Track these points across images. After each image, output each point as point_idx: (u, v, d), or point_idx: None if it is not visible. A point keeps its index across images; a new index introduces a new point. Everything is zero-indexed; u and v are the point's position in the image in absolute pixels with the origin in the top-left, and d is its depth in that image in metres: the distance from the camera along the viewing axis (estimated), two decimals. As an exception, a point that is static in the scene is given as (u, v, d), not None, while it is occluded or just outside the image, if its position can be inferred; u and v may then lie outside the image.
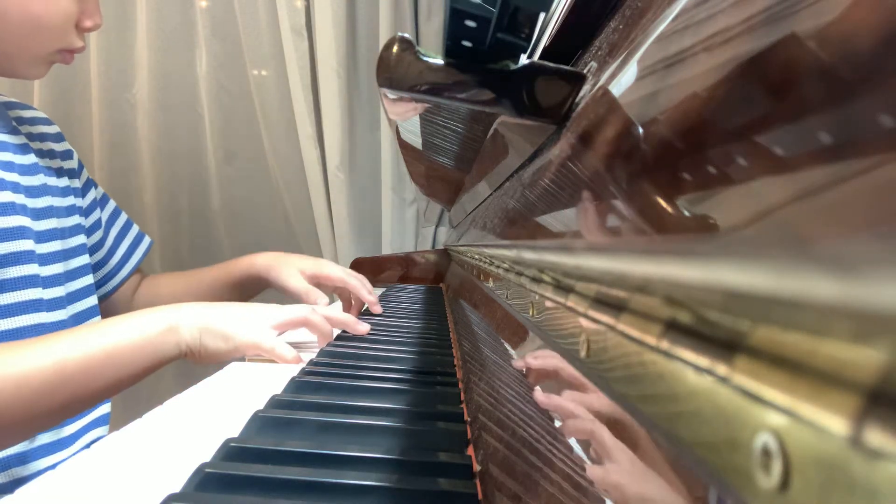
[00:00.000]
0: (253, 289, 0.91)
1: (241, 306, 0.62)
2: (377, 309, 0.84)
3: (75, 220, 0.78)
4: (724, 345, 0.11)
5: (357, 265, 1.35)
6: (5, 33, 0.65)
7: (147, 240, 0.95)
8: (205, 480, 0.30)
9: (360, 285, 0.85)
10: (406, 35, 0.30)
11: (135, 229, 0.94)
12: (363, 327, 0.67)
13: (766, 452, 0.09)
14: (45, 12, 0.66)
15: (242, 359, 0.60)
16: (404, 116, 0.62)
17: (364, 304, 0.86)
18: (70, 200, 0.78)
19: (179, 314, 0.57)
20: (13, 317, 0.64)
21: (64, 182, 0.78)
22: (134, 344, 0.54)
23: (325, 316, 0.65)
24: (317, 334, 0.64)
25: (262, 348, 0.58)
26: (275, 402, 0.42)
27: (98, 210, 0.87)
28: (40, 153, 0.76)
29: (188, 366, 0.59)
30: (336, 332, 0.67)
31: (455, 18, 0.26)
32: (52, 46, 0.69)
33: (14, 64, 0.69)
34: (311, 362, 0.54)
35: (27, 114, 0.79)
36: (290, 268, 0.86)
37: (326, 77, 1.39)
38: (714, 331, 0.12)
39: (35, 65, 0.70)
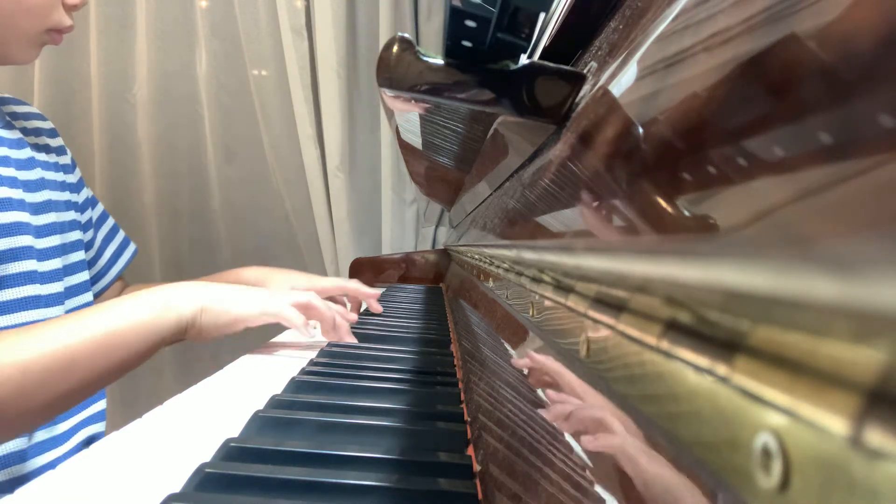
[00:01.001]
0: None
1: (239, 287, 0.63)
2: (378, 307, 0.84)
3: (72, 215, 0.78)
4: (724, 345, 0.11)
5: (357, 265, 1.35)
6: None
7: (132, 246, 0.94)
8: (205, 480, 0.30)
9: (357, 287, 0.85)
10: (406, 35, 0.30)
11: (121, 234, 0.93)
12: (350, 340, 0.66)
13: (766, 452, 0.09)
14: None
15: (244, 355, 0.60)
16: (404, 117, 0.62)
17: (362, 304, 0.86)
18: (66, 196, 0.78)
19: (177, 293, 0.58)
20: (11, 314, 0.64)
21: (60, 177, 0.78)
22: (135, 324, 0.54)
23: (321, 289, 0.66)
24: (318, 319, 0.64)
25: (267, 313, 0.59)
26: (275, 402, 0.42)
27: (90, 209, 0.87)
28: (36, 147, 0.76)
29: (188, 365, 0.59)
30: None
31: (455, 18, 0.26)
32: (40, 26, 0.68)
33: (6, 47, 0.68)
34: (311, 362, 0.54)
35: (21, 109, 0.79)
36: (279, 284, 0.86)
37: (326, 77, 1.39)
38: (714, 331, 0.12)
39: (25, 47, 0.69)
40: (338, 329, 0.64)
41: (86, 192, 0.86)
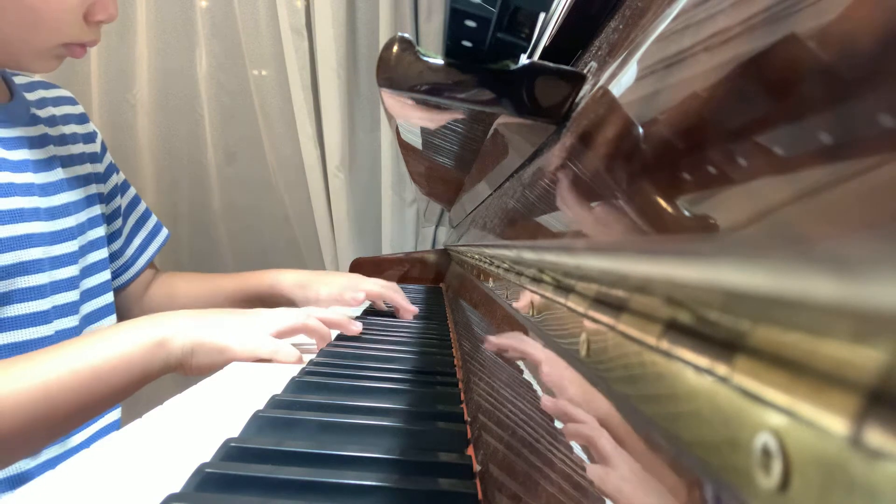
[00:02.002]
0: (274, 305, 0.88)
1: (235, 315, 0.60)
2: (411, 314, 0.84)
3: (95, 210, 0.76)
4: (724, 345, 0.11)
5: (357, 265, 1.35)
6: (5, 27, 0.63)
7: (164, 232, 0.93)
8: (205, 480, 0.30)
9: (396, 295, 0.84)
10: (406, 35, 0.30)
11: (153, 220, 0.91)
12: (356, 327, 0.65)
13: (766, 452, 0.09)
14: (44, 4, 0.63)
15: None
16: (404, 116, 0.62)
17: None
18: (91, 189, 0.76)
19: (170, 327, 0.55)
20: (21, 329, 0.62)
21: (86, 169, 0.76)
22: (121, 360, 0.52)
23: (320, 318, 0.63)
24: (315, 339, 0.63)
25: (260, 355, 0.56)
26: (275, 402, 0.42)
27: (119, 196, 0.84)
28: (61, 139, 0.73)
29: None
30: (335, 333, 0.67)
31: (455, 18, 0.26)
32: (55, 40, 0.66)
33: (18, 58, 0.66)
34: (311, 362, 0.54)
35: (51, 94, 0.77)
36: (321, 286, 0.85)
37: (326, 77, 1.39)
38: (714, 331, 0.12)
39: (40, 59, 0.67)
40: (350, 324, 0.64)
41: (115, 179, 0.84)
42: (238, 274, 0.91)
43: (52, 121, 0.74)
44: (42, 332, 0.64)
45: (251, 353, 0.56)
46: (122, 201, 0.85)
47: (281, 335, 0.60)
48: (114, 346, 0.53)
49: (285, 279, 0.86)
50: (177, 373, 0.56)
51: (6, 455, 0.53)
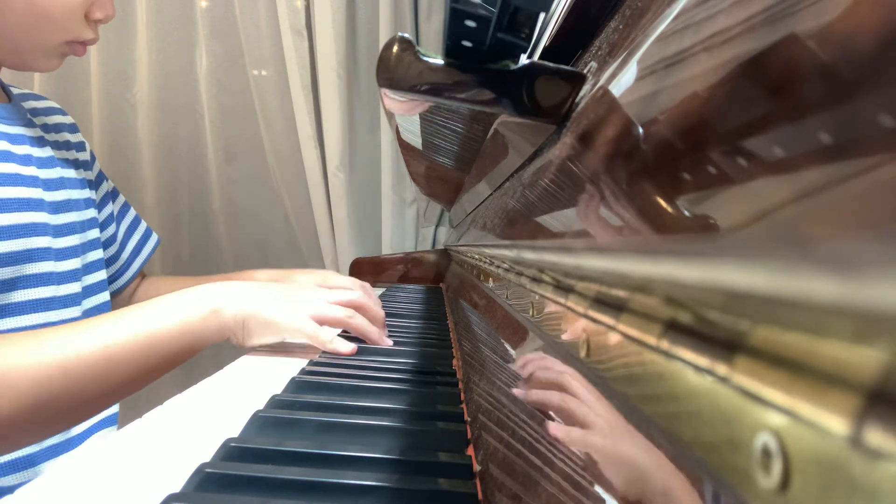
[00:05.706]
0: None
1: (284, 292, 0.62)
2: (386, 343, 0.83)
3: (91, 213, 0.78)
4: (724, 345, 0.11)
5: (357, 265, 1.35)
6: (11, 25, 0.65)
7: (154, 237, 0.94)
8: (205, 480, 0.30)
9: (367, 300, 0.84)
10: (406, 35, 0.30)
11: (143, 226, 0.93)
12: (388, 342, 0.65)
13: (766, 452, 0.09)
14: (51, 3, 0.65)
15: (244, 355, 0.60)
16: (404, 116, 0.62)
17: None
18: (86, 193, 0.78)
19: (223, 297, 0.57)
20: (26, 314, 0.64)
21: (80, 174, 0.78)
22: (178, 327, 0.54)
23: (360, 325, 0.64)
24: (358, 335, 0.63)
25: (304, 333, 0.58)
26: (275, 402, 0.42)
27: (110, 203, 0.86)
28: (56, 145, 0.75)
29: (188, 365, 0.59)
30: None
31: (455, 18, 0.26)
32: (60, 38, 0.68)
33: (24, 56, 0.68)
34: (311, 362, 0.54)
35: (41, 104, 0.79)
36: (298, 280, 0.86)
37: (326, 77, 1.39)
38: (714, 331, 0.12)
39: (45, 57, 0.69)
40: (381, 338, 0.64)
41: (105, 187, 0.86)
42: (219, 276, 0.91)
43: (45, 128, 0.76)
44: (49, 317, 0.66)
45: (296, 331, 0.59)
46: (113, 208, 0.87)
47: (322, 322, 0.61)
48: (170, 313, 0.55)
49: (261, 277, 0.87)
50: (228, 342, 0.58)
51: (69, 420, 0.55)
